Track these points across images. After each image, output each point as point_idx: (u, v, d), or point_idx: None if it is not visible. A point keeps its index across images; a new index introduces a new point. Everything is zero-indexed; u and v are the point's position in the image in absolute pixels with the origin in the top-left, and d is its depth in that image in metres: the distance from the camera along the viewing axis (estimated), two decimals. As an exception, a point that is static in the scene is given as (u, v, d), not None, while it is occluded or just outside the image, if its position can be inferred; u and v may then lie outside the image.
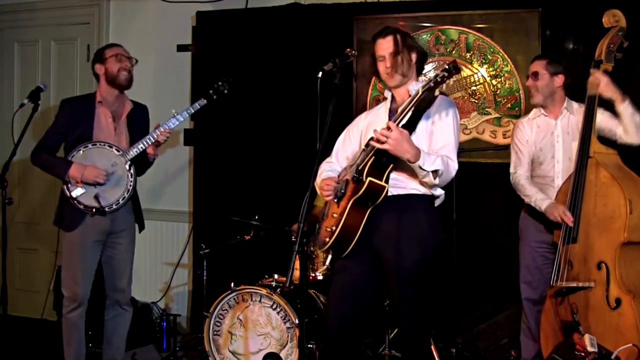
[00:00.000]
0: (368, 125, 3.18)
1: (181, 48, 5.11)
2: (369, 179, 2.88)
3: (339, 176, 3.19)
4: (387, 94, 3.20)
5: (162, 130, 3.67)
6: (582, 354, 3.00)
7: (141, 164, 3.77)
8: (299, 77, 4.57)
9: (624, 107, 3.36)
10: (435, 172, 2.88)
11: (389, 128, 2.77)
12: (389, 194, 2.94)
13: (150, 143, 3.66)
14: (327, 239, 3.03)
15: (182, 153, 5.15)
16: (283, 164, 4.70)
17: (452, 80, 4.33)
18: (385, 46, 3.07)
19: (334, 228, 2.99)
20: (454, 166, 2.96)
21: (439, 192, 3.08)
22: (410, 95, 3.02)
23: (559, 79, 3.58)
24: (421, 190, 3.01)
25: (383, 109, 3.19)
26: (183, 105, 5.00)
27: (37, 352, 4.54)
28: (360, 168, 2.94)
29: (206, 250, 4.16)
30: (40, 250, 5.43)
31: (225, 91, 3.98)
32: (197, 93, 4.95)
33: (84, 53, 5.29)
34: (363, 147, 3.06)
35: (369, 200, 2.93)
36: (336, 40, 4.49)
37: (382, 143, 2.78)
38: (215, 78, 4.06)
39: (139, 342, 4.59)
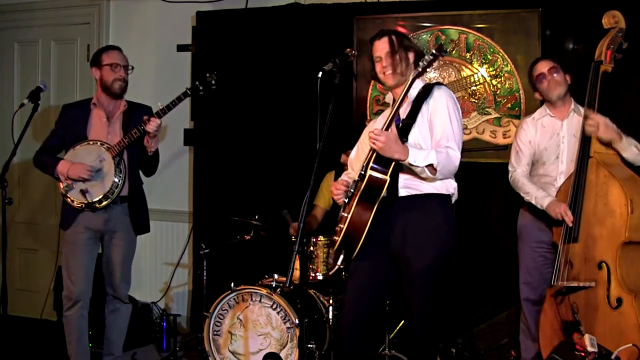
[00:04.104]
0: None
1: (181, 48, 5.11)
2: (370, 172, 2.88)
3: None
4: (389, 98, 3.20)
5: (151, 120, 3.63)
6: (582, 354, 3.00)
7: (144, 161, 3.81)
8: (299, 77, 4.57)
9: (622, 146, 3.31)
10: (431, 166, 2.86)
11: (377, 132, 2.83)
12: (403, 194, 2.96)
13: (134, 138, 3.66)
14: (336, 238, 3.05)
15: (182, 153, 5.15)
16: (283, 164, 4.69)
17: (447, 77, 4.34)
18: (381, 47, 3.10)
19: (342, 226, 3.01)
20: (455, 155, 2.93)
21: (454, 185, 3.07)
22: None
23: (569, 78, 3.58)
24: (436, 189, 3.00)
25: (388, 112, 3.16)
26: (183, 105, 5.02)
27: (37, 352, 4.54)
28: (364, 165, 2.95)
29: (206, 250, 4.16)
30: (40, 250, 5.42)
31: (213, 82, 3.85)
32: (197, 93, 4.95)
33: (84, 53, 5.29)
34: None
35: (373, 194, 2.91)
36: (336, 40, 4.48)
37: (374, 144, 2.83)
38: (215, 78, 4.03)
39: (139, 342, 4.59)
